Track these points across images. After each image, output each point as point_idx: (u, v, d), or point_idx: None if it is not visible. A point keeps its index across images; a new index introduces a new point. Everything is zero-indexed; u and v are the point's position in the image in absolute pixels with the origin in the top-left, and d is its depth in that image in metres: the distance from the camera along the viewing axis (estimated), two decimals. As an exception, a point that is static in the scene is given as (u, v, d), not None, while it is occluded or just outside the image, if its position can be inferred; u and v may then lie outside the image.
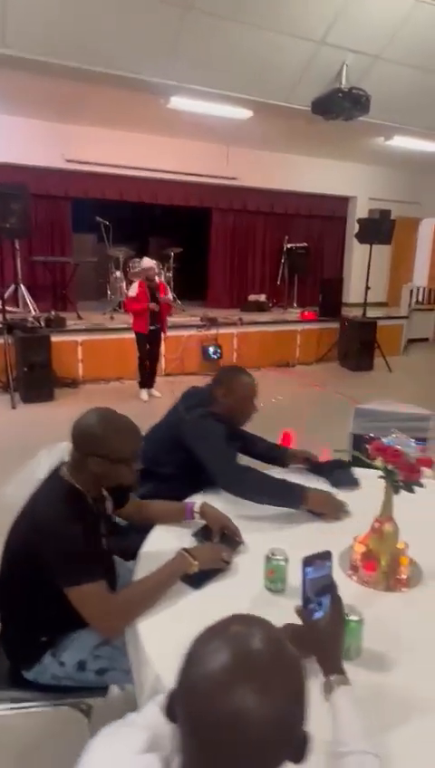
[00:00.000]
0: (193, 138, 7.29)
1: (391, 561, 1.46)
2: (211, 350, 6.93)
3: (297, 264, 8.54)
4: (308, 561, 1.07)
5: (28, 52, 3.41)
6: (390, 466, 1.36)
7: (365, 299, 7.54)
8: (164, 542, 1.58)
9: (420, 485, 1.41)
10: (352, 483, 1.99)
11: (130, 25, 3.42)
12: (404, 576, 1.45)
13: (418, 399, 3.33)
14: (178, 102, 5.13)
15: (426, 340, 9.59)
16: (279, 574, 1.37)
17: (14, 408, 5.22)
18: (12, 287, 6.30)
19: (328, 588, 1.08)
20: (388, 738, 0.97)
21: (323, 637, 1.05)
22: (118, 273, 7.67)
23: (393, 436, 1.45)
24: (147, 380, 5.68)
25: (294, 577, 1.16)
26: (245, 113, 5.44)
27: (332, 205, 9.10)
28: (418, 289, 9.75)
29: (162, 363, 6.75)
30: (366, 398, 5.60)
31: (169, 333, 6.80)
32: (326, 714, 0.92)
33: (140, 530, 1.65)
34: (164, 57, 3.69)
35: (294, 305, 8.57)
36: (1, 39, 3.29)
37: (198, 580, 1.39)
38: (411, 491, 1.40)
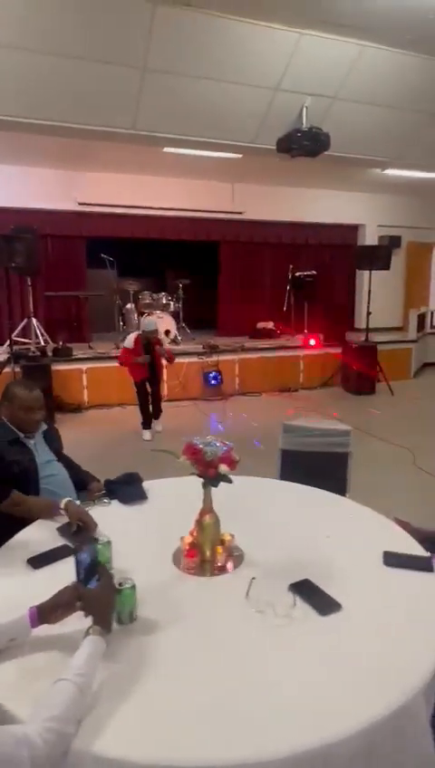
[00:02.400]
0: (198, 177, 7.76)
1: (212, 550, 1.63)
2: (211, 375, 7.18)
3: (306, 292, 8.75)
4: (77, 549, 1.37)
5: (6, 115, 3.92)
6: (190, 461, 1.55)
7: (367, 324, 7.63)
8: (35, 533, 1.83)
9: (226, 481, 1.59)
10: (140, 497, 2.11)
11: (95, 86, 3.87)
12: (220, 563, 1.62)
13: (406, 419, 3.37)
14: (171, 150, 5.60)
15: (442, 363, 9.48)
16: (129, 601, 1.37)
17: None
18: (24, 320, 6.83)
19: (95, 566, 1.35)
20: (131, 688, 1.15)
21: (94, 601, 1.26)
22: (129, 306, 8.14)
23: (210, 439, 1.63)
24: (148, 421, 5.59)
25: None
26: (233, 155, 5.84)
27: (340, 233, 9.29)
28: (432, 313, 9.70)
29: (164, 389, 7.07)
30: (353, 419, 5.66)
31: (170, 361, 7.15)
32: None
33: None
34: (129, 111, 4.11)
35: (305, 332, 8.73)
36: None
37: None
38: (214, 485, 1.59)
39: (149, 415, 5.61)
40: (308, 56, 3.99)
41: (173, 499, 2.02)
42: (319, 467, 2.93)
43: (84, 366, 6.74)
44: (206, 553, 1.63)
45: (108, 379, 6.76)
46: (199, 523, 1.65)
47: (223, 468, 1.54)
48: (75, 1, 3.32)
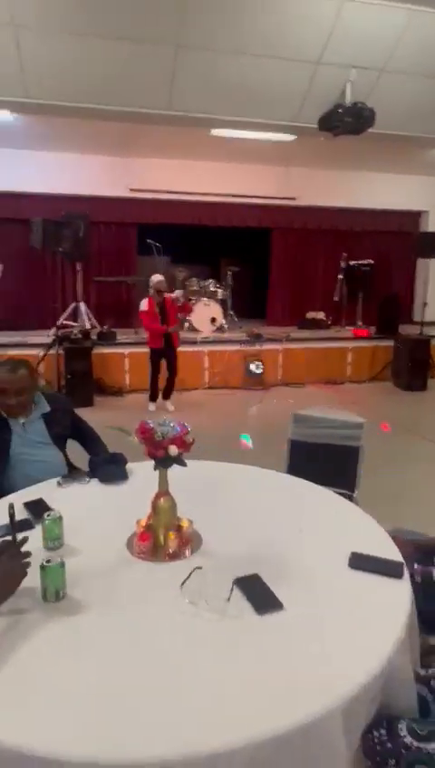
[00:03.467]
0: (250, 161, 7.60)
1: (165, 535, 1.56)
2: (253, 365, 7.05)
3: (360, 282, 8.38)
4: None
5: (47, 99, 3.98)
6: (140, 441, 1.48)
7: (423, 316, 7.19)
8: None
9: (179, 463, 1.51)
10: (120, 477, 2.05)
11: (130, 67, 3.84)
12: (171, 549, 1.54)
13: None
14: (218, 132, 5.51)
15: None
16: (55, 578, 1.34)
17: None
18: (73, 304, 7.02)
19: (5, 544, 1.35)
20: (37, 668, 1.11)
21: None
22: (178, 292, 8.14)
23: (166, 420, 1.55)
24: (155, 394, 5.83)
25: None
26: (287, 137, 5.64)
27: (400, 220, 8.81)
28: None
29: (205, 377, 7.03)
30: (400, 416, 5.37)
31: (213, 348, 7.11)
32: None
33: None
34: (164, 91, 4.05)
35: (359, 323, 8.39)
36: (24, 90, 3.89)
37: None
38: (164, 466, 1.51)
39: (157, 387, 5.75)
40: (351, 25, 3.75)
41: (153, 482, 1.96)
42: (328, 461, 2.77)
43: (127, 350, 6.83)
44: (159, 538, 1.56)
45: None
46: (154, 505, 1.58)
47: (172, 450, 1.46)
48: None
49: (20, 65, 3.73)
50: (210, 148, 6.74)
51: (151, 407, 5.80)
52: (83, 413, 2.60)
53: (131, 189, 7.61)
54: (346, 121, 4.06)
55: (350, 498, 2.68)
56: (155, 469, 1.55)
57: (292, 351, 7.35)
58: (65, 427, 2.30)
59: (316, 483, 2.37)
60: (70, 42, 3.63)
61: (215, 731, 0.95)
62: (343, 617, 1.28)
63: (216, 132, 5.48)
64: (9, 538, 1.38)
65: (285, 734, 0.94)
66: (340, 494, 2.60)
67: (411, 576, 1.77)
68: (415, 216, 8.86)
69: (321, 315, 8.43)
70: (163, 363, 5.82)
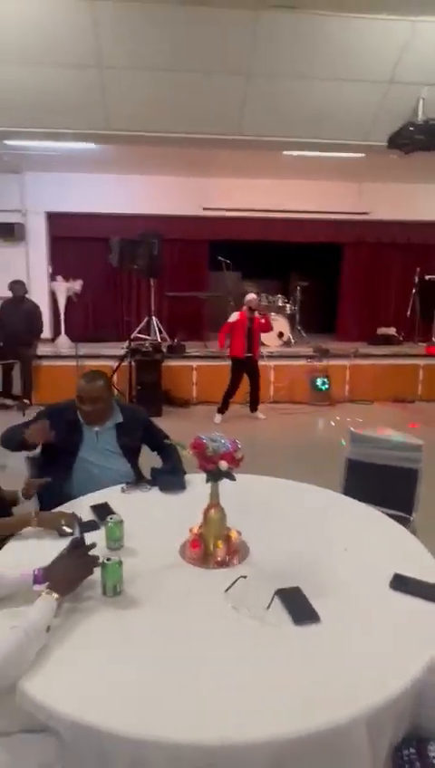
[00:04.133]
0: (322, 178, 7.65)
1: (214, 543, 1.67)
2: (319, 381, 7.03)
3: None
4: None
5: (126, 130, 4.29)
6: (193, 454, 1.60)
7: None
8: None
9: (229, 477, 1.61)
10: (178, 487, 2.15)
11: (202, 96, 4.06)
12: (219, 558, 1.65)
13: None
14: (290, 152, 5.64)
15: None
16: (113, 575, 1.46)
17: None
18: (146, 319, 7.37)
19: (76, 542, 1.51)
20: (90, 653, 1.27)
21: (55, 568, 1.42)
22: (272, 315, 8.29)
23: (217, 434, 1.66)
24: (226, 406, 6.09)
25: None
26: (356, 155, 5.67)
27: None
28: None
29: (271, 391, 7.10)
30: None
31: (279, 363, 7.17)
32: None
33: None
34: (234, 117, 4.23)
35: (434, 340, 8.12)
36: (106, 122, 4.23)
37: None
38: (215, 480, 1.62)
39: (229, 399, 6.02)
40: (423, 44, 3.74)
41: (208, 493, 2.08)
42: (385, 482, 2.76)
43: (195, 363, 7.05)
44: (209, 546, 1.67)
45: (217, 377, 6.99)
46: (205, 516, 1.69)
47: (222, 465, 1.57)
48: (181, 18, 3.53)
49: (103, 101, 4.06)
50: (282, 167, 6.87)
51: (217, 418, 5.97)
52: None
53: (204, 208, 7.89)
54: (417, 138, 4.03)
55: (407, 521, 2.66)
56: (207, 482, 1.66)
57: (360, 367, 7.25)
58: (135, 439, 2.44)
59: (372, 503, 2.38)
60: (146, 77, 3.92)
61: (241, 724, 1.04)
62: (376, 634, 1.32)
63: (287, 153, 5.60)
64: (78, 536, 1.56)
65: (307, 735, 1.01)
66: (396, 516, 2.60)
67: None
68: None
69: (392, 331, 8.25)
70: (245, 378, 6.09)
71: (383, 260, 8.60)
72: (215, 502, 1.69)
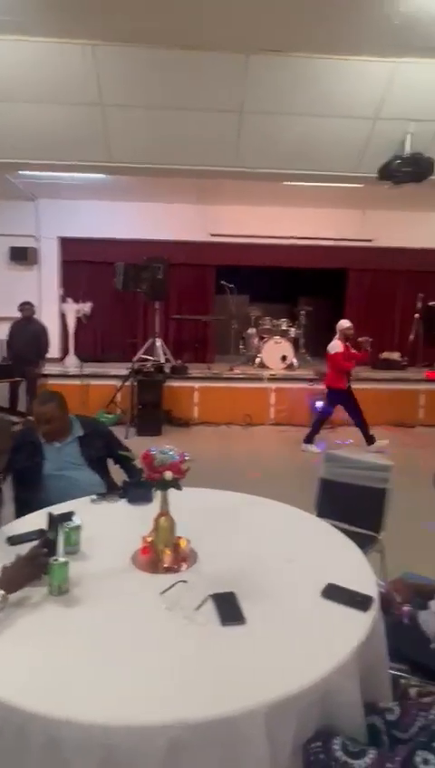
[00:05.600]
0: (326, 205, 7.87)
1: (163, 550, 1.77)
2: (319, 403, 7.09)
3: (438, 323, 8.18)
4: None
5: (127, 162, 4.56)
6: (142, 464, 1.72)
7: None
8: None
9: (175, 487, 1.72)
10: (146, 500, 2.20)
11: (199, 131, 4.30)
12: (166, 564, 1.74)
13: None
14: (290, 183, 5.86)
15: None
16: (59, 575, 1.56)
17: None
18: (150, 340, 7.57)
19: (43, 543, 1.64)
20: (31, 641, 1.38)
21: (9, 567, 1.54)
22: (251, 330, 8.47)
23: (168, 447, 1.78)
24: (315, 434, 6.04)
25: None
26: (353, 185, 5.85)
27: None
28: None
29: (271, 413, 7.19)
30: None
31: (280, 385, 7.28)
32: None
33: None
34: (231, 150, 4.46)
35: (436, 365, 8.16)
36: (108, 155, 4.49)
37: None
38: (162, 489, 1.73)
39: (320, 428, 5.99)
40: (406, 83, 3.92)
41: (175, 506, 2.17)
42: (356, 501, 2.82)
43: (197, 384, 7.20)
44: (157, 553, 1.78)
45: (218, 399, 7.13)
46: (155, 524, 1.80)
47: (168, 475, 1.68)
48: (176, 61, 3.79)
49: (105, 135, 4.33)
50: (286, 195, 7.10)
51: (311, 447, 5.91)
52: (147, 442, 2.88)
53: (211, 234, 8.15)
54: (405, 171, 4.19)
55: (374, 540, 2.73)
56: (155, 490, 1.78)
57: (362, 391, 7.26)
58: (99, 450, 2.60)
59: (344, 521, 2.47)
60: (145, 114, 4.18)
61: (147, 709, 1.14)
62: (296, 637, 1.40)
63: (287, 183, 5.82)
64: (38, 543, 1.68)
65: (204, 722, 1.10)
66: (364, 535, 2.67)
67: (400, 618, 1.83)
68: None
69: (396, 356, 8.31)
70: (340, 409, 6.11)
71: (387, 285, 8.73)
72: (164, 510, 1.80)
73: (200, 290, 8.71)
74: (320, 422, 6.05)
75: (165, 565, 1.75)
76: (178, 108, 4.12)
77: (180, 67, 3.84)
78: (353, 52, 3.67)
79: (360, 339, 6.00)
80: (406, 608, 1.84)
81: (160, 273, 6.83)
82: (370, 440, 5.95)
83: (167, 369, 7.15)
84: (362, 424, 5.96)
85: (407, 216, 8.07)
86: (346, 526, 2.36)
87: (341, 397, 5.90)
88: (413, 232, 8.18)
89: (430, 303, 8.19)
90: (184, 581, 1.62)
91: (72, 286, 8.45)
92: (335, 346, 5.86)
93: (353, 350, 5.94)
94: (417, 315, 8.15)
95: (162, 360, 7.36)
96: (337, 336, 5.97)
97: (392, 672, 1.67)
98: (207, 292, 8.75)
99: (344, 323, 6.02)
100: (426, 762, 1.13)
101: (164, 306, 7.95)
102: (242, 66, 3.81)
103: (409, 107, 4.12)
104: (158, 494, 2.29)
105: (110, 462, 2.72)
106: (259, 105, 4.10)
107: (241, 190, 6.97)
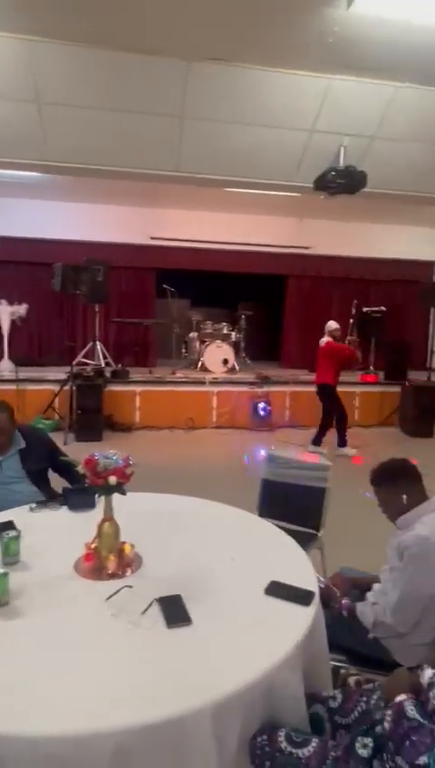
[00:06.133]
0: (265, 213, 8.04)
1: (107, 556, 1.75)
2: (260, 406, 7.24)
3: (372, 328, 8.55)
4: None
5: (65, 162, 4.46)
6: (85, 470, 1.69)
7: (429, 363, 7.29)
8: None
9: (119, 492, 1.71)
10: (89, 506, 2.19)
11: (139, 134, 4.29)
12: (111, 570, 1.73)
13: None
14: (231, 189, 5.94)
15: None
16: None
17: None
18: (90, 344, 7.42)
19: None
20: None
21: None
22: (192, 334, 8.50)
23: (112, 452, 1.76)
24: (324, 434, 6.08)
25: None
26: (290, 194, 6.03)
27: (413, 270, 9.03)
28: None
29: (213, 416, 7.25)
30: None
31: (222, 389, 7.35)
32: None
33: None
34: (172, 155, 4.47)
35: (371, 369, 8.51)
36: (44, 154, 4.38)
37: None
38: (106, 494, 1.71)
39: (329, 428, 6.04)
40: (340, 99, 4.10)
41: (120, 511, 2.14)
42: (296, 500, 2.91)
43: (139, 388, 7.13)
44: (101, 559, 1.75)
45: (161, 403, 7.09)
46: (99, 530, 1.77)
47: (112, 479, 1.66)
48: (117, 63, 3.76)
49: (42, 133, 4.22)
50: (227, 201, 7.19)
51: (317, 448, 5.90)
52: (88, 447, 2.80)
53: (152, 237, 8.11)
54: (339, 183, 4.37)
55: (314, 537, 2.82)
56: (99, 496, 1.75)
57: (299, 394, 7.51)
58: (40, 461, 2.49)
59: (285, 521, 2.52)
60: (84, 114, 4.11)
61: (92, 716, 1.12)
62: (240, 634, 1.43)
63: (229, 190, 5.90)
64: None
65: (151, 725, 1.10)
66: (304, 533, 2.75)
67: (340, 611, 1.91)
68: (427, 266, 9.07)
69: (332, 359, 8.59)
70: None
71: (324, 292, 9.03)
72: (108, 516, 1.78)
73: (141, 293, 8.65)
74: (329, 420, 6.08)
75: (109, 571, 1.73)
76: (117, 109, 4.08)
77: (121, 69, 3.81)
78: (291, 66, 3.80)
79: (348, 338, 6.28)
80: (345, 601, 1.92)
81: (100, 276, 6.71)
82: (341, 441, 6.12)
83: (107, 374, 7.03)
84: (340, 423, 6.13)
85: (342, 225, 8.41)
86: (287, 525, 2.43)
87: (327, 391, 6.08)
88: (347, 242, 8.53)
89: (364, 309, 8.55)
90: (129, 586, 1.61)
91: (6, 287, 8.12)
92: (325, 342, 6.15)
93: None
94: (351, 321, 8.47)
95: (102, 364, 7.23)
96: (326, 336, 6.28)
97: (333, 663, 1.74)
98: (148, 296, 8.70)
99: (332, 324, 6.32)
100: (365, 746, 1.19)
101: (104, 309, 7.81)
102: (184, 72, 3.84)
103: (342, 121, 4.31)
104: (101, 500, 2.30)
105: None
106: (200, 112, 4.14)
107: (182, 194, 6.99)
